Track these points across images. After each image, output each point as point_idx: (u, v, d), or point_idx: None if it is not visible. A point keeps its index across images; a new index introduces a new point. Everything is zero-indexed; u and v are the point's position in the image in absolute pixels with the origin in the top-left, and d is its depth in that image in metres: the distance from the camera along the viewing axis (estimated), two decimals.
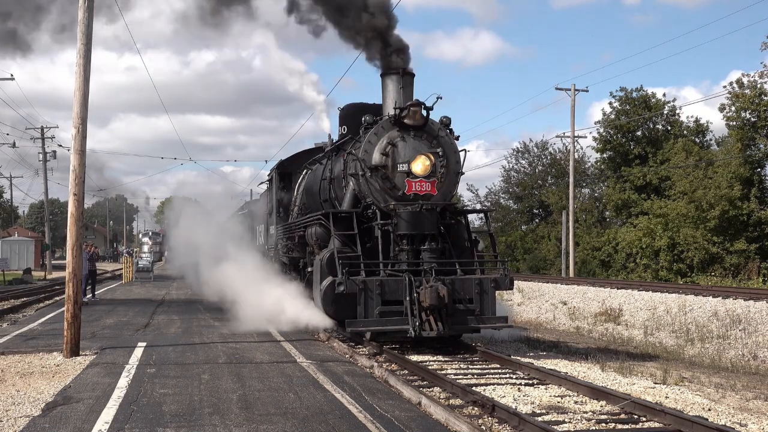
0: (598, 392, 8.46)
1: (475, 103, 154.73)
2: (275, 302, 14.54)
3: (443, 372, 9.99)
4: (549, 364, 10.80)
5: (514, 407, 7.77)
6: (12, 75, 41.35)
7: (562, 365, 10.88)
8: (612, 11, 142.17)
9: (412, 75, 12.79)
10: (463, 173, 12.88)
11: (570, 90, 39.95)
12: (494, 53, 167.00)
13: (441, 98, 12.25)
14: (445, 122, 12.72)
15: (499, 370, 10.32)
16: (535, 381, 9.49)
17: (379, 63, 13.03)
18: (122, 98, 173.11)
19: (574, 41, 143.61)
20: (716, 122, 51.72)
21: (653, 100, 42.65)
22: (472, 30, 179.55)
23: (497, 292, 12.17)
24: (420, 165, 12.09)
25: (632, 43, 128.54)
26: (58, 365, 10.25)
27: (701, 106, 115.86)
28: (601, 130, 43.47)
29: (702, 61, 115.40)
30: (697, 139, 41.43)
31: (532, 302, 26.20)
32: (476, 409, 7.80)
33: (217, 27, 15.20)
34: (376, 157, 12.20)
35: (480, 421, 7.36)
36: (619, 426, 7.27)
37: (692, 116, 44.86)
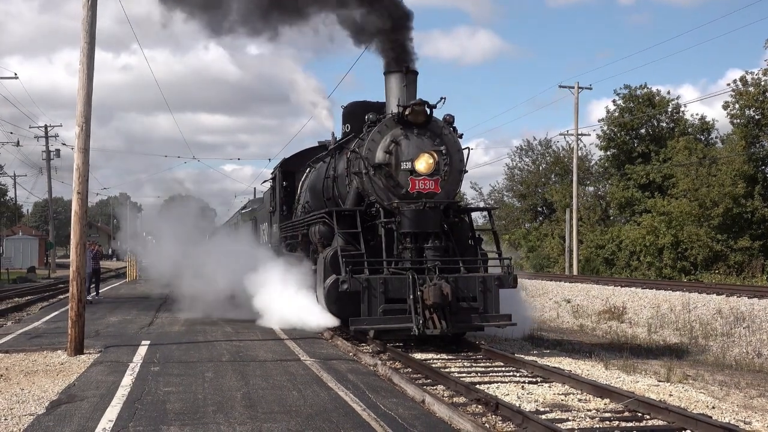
0: (601, 390, 8.46)
1: (474, 101, 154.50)
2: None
3: (447, 370, 9.99)
4: (553, 362, 10.78)
5: (518, 405, 7.76)
6: (16, 74, 41.30)
7: (566, 363, 10.86)
8: (607, 10, 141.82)
9: (416, 73, 12.74)
10: (467, 171, 12.87)
11: (573, 88, 39.93)
12: (491, 52, 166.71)
13: (444, 99, 12.29)
14: (449, 120, 12.69)
15: (503, 368, 10.31)
16: (538, 379, 9.48)
17: (383, 60, 12.99)
18: (120, 97, 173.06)
19: (569, 40, 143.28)
20: (717, 119, 51.39)
21: (657, 97, 42.58)
22: (469, 29, 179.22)
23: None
24: (423, 163, 12.07)
25: (629, 42, 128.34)
26: (62, 363, 10.26)
27: (698, 104, 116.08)
28: (605, 128, 43.45)
29: (699, 60, 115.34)
30: (702, 137, 41.34)
31: (535, 300, 26.17)
32: (480, 407, 7.80)
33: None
34: (379, 155, 12.19)
35: (484, 419, 7.36)
36: (623, 424, 7.26)
37: (698, 114, 44.83)
